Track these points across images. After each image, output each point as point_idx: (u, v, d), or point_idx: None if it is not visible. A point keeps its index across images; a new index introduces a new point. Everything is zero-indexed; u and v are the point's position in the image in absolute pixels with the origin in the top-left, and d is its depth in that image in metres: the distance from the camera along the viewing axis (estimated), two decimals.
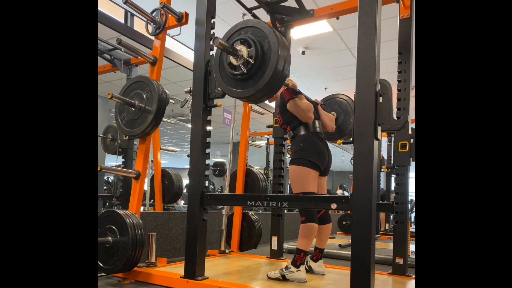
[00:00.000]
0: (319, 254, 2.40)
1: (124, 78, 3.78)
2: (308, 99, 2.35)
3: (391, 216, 5.20)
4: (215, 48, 1.90)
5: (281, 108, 2.39)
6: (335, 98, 3.06)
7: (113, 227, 2.13)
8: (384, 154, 6.17)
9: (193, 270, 2.03)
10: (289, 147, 3.49)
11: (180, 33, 2.61)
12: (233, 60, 1.82)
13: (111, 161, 4.23)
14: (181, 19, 2.53)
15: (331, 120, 2.50)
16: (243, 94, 1.84)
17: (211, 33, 2.23)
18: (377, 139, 1.61)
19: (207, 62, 2.17)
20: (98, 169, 2.16)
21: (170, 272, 2.17)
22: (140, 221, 2.18)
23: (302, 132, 2.28)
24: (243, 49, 1.79)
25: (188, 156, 2.22)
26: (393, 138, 2.49)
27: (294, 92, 2.26)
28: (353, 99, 2.89)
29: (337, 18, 2.93)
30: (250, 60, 1.76)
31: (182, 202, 8.21)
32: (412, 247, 3.45)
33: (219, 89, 2.12)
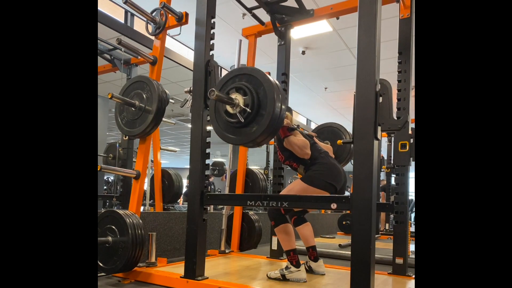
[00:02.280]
0: (314, 252, 2.40)
1: (124, 78, 3.78)
2: (303, 134, 2.33)
3: (391, 216, 5.20)
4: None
5: (279, 145, 2.35)
6: (327, 127, 3.16)
7: (113, 227, 2.13)
8: (384, 154, 6.18)
9: (193, 270, 2.03)
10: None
11: (180, 33, 2.61)
12: (229, 108, 1.84)
13: None
14: (181, 19, 2.53)
15: (329, 150, 2.47)
16: (242, 141, 1.84)
17: (211, 33, 2.23)
18: (377, 139, 1.61)
19: (207, 62, 2.17)
20: (98, 169, 2.16)
21: (170, 272, 2.17)
22: (140, 221, 2.18)
23: (310, 159, 2.22)
24: (238, 98, 1.81)
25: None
26: (393, 138, 2.48)
27: (289, 130, 2.24)
28: (346, 128, 3.03)
29: (337, 18, 2.93)
30: (246, 108, 1.78)
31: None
32: (412, 247, 3.45)
33: None
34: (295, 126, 2.30)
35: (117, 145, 3.92)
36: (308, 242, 2.40)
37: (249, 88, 1.80)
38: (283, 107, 1.79)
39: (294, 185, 2.22)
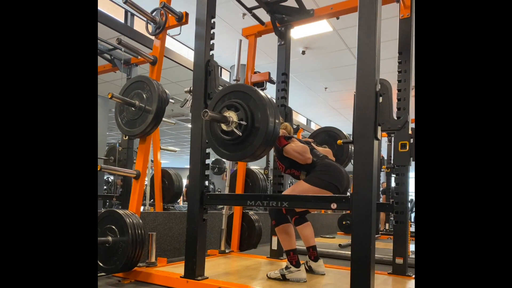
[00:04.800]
0: (314, 252, 2.40)
1: (124, 78, 3.78)
2: (301, 141, 2.34)
3: (391, 216, 5.20)
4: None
5: (278, 155, 2.35)
6: (321, 132, 3.19)
7: (113, 227, 2.13)
8: (384, 154, 6.18)
9: (193, 270, 2.03)
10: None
11: (180, 33, 2.61)
12: (224, 127, 1.86)
13: None
14: (181, 19, 2.53)
15: (329, 154, 2.47)
16: (243, 156, 1.86)
17: (211, 33, 2.23)
18: (377, 139, 1.61)
19: (207, 62, 2.17)
20: (98, 169, 2.16)
21: (170, 272, 2.17)
22: (140, 221, 2.18)
23: (311, 164, 2.22)
24: (232, 114, 1.83)
25: None
26: (393, 138, 2.48)
27: (286, 138, 2.25)
28: (339, 129, 3.04)
29: (337, 18, 2.94)
30: (242, 122, 1.80)
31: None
32: (412, 247, 3.45)
33: (220, 88, 2.12)
34: (292, 135, 2.31)
35: (117, 144, 3.93)
36: (309, 242, 2.40)
37: (240, 104, 1.83)
38: (276, 121, 1.82)
39: (297, 186, 2.22)
